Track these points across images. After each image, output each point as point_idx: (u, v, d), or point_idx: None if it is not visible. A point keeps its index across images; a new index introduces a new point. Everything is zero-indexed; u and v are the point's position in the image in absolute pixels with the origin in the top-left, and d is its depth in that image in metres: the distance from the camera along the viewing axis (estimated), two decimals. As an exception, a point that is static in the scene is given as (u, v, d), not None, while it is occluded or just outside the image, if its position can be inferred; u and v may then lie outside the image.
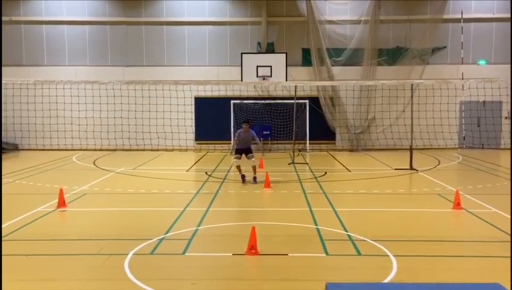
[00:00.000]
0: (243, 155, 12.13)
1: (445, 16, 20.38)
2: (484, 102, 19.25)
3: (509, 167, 13.77)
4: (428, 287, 5.20)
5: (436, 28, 20.24)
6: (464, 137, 20.45)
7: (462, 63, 20.42)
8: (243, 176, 12.04)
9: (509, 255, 6.40)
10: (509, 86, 17.27)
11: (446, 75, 19.32)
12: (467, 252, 6.75)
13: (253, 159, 12.10)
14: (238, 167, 12.10)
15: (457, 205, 9.19)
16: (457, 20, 20.39)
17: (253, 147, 12.35)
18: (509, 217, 8.43)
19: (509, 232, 7.45)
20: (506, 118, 20.24)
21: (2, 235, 7.35)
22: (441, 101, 17.77)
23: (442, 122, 18.99)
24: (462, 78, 19.30)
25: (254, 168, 12.00)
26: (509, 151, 19.04)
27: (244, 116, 20.34)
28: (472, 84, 16.73)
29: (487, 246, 7.00)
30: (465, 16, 20.37)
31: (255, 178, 11.91)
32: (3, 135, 19.52)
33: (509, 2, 20.04)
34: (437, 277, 5.70)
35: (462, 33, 20.38)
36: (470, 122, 20.16)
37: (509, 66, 19.22)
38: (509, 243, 6.79)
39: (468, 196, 10.17)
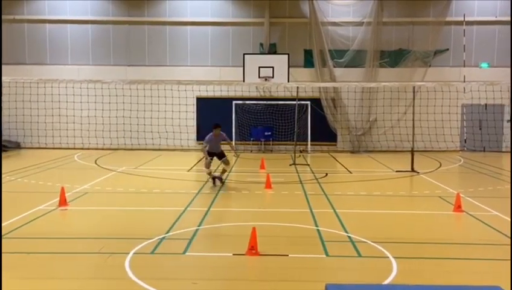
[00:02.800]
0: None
1: (448, 19, 20.36)
2: (486, 105, 19.23)
3: (510, 169, 13.77)
4: (428, 289, 5.21)
5: (438, 31, 20.22)
6: (465, 140, 20.44)
7: (464, 66, 20.41)
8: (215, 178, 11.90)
9: (510, 258, 6.41)
10: (510, 89, 17.25)
11: (448, 78, 19.33)
12: (468, 255, 6.75)
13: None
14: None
15: (458, 207, 9.19)
16: (460, 23, 20.39)
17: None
18: (510, 220, 8.43)
19: (510, 235, 7.46)
20: (508, 121, 20.21)
21: (3, 233, 7.37)
22: (443, 104, 17.78)
23: (444, 124, 18.99)
24: (464, 81, 19.30)
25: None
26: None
27: (246, 116, 20.39)
28: (474, 87, 16.73)
29: (488, 249, 7.01)
30: (467, 18, 20.36)
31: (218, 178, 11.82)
32: (5, 133, 19.57)
33: (512, 4, 20.05)
34: (437, 279, 5.71)
35: (464, 36, 20.38)
36: (472, 125, 20.15)
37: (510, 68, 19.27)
38: (510, 246, 6.79)
39: (469, 199, 10.17)
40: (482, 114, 19.76)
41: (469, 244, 7.29)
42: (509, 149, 19.48)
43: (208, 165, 11.72)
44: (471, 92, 18.15)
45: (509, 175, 13.78)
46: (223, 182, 11.85)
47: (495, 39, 20.56)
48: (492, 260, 6.48)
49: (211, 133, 11.76)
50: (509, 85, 15.61)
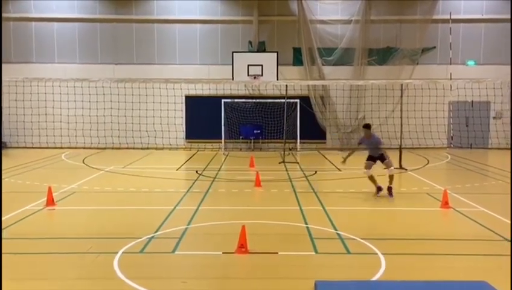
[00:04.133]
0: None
1: (435, 17, 20.54)
2: (472, 102, 19.44)
3: (498, 166, 13.94)
4: (416, 285, 5.26)
5: (425, 29, 20.39)
6: (452, 137, 20.65)
7: (451, 64, 20.61)
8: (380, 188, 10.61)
9: (496, 253, 6.50)
10: (508, 86, 17.41)
11: (435, 76, 19.49)
12: (455, 251, 6.82)
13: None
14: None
15: (445, 204, 9.28)
16: (447, 21, 20.57)
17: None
18: (498, 216, 8.55)
19: (497, 231, 7.56)
20: (494, 118, 20.46)
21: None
22: (430, 101, 17.90)
23: (431, 122, 19.14)
24: (451, 79, 19.47)
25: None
26: (496, 151, 19.34)
27: (235, 115, 20.37)
28: (460, 84, 16.89)
29: (475, 245, 7.09)
30: (454, 16, 20.55)
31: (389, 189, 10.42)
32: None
33: (498, 3, 20.29)
34: (425, 275, 5.76)
35: (450, 34, 20.57)
36: (458, 122, 20.37)
37: (497, 66, 19.53)
38: (497, 242, 6.88)
39: (456, 195, 10.28)
40: (468, 111, 19.98)
41: (456, 240, 7.37)
42: (495, 146, 19.75)
43: (367, 167, 10.73)
44: (457, 90, 18.34)
45: (496, 171, 13.97)
46: (391, 194, 10.34)
47: (481, 37, 20.79)
48: (479, 255, 6.56)
49: (363, 135, 11.09)
50: (497, 82, 15.81)
